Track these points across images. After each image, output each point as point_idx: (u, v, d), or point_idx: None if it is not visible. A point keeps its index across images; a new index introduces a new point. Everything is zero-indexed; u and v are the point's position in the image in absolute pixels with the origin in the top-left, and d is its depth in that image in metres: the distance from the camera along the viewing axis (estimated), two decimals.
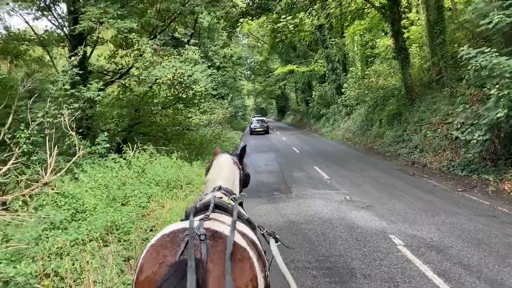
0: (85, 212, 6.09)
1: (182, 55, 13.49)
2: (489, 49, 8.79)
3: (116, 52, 15.14)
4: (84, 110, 12.87)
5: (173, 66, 12.58)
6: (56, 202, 6.19)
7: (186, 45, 13.77)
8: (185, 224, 1.87)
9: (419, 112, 15.93)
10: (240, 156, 3.23)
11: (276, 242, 2.40)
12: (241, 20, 16.05)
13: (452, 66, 15.43)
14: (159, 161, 11.55)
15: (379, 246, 5.51)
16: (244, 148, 3.35)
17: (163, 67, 12.54)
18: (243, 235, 1.95)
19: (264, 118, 40.73)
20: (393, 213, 7.15)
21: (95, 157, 9.96)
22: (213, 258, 1.63)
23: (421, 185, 9.60)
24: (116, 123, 15.45)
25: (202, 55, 28.96)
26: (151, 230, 6.25)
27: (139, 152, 10.61)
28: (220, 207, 2.22)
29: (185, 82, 12.66)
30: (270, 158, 16.86)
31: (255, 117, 44.44)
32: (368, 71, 22.65)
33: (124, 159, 9.86)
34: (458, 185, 9.40)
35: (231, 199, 2.44)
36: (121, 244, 5.47)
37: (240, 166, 3.11)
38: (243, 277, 1.67)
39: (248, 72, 48.02)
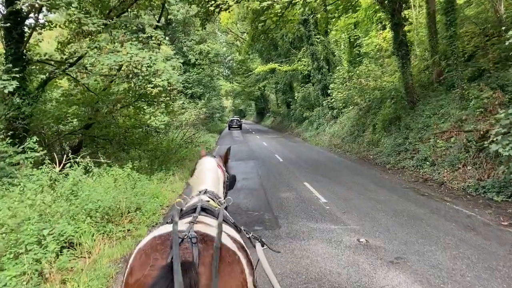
0: None
1: (141, 41, 10.70)
2: None
3: (71, 40, 12.18)
4: (20, 108, 10.10)
5: (127, 53, 9.82)
6: None
7: (147, 28, 10.93)
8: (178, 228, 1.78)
9: (423, 117, 13.64)
10: (225, 159, 3.24)
11: (262, 246, 2.33)
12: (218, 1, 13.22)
13: (463, 64, 13.25)
14: (106, 175, 8.77)
15: None
16: (228, 150, 3.37)
17: (115, 54, 9.80)
18: (233, 238, 1.92)
19: (239, 118, 52.80)
20: (441, 273, 4.60)
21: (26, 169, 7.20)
22: (205, 262, 1.62)
23: (451, 216, 7.14)
24: (65, 123, 12.60)
25: (174, 48, 26.11)
26: None
27: (70, 166, 7.75)
28: (206, 210, 2.20)
29: (142, 74, 9.91)
30: (250, 168, 14.20)
31: (233, 117, 54.85)
32: (358, 70, 20.31)
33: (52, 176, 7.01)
34: (500, 216, 6.99)
35: (217, 203, 2.44)
36: None
37: (224, 169, 3.09)
38: (233, 280, 1.66)
39: (226, 70, 45.24)
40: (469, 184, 8.94)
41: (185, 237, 1.68)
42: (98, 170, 9.24)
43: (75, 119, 12.54)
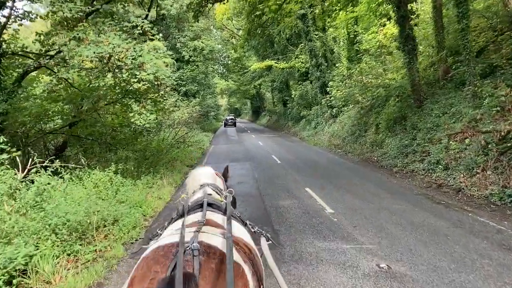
0: None
1: (126, 31, 9.62)
2: None
3: (51, 31, 11.07)
4: None
5: (109, 43, 8.78)
6: None
7: (132, 18, 9.85)
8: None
9: (432, 116, 12.68)
10: (225, 177, 3.20)
11: (267, 240, 2.33)
12: None
13: (476, 60, 12.32)
14: (86, 179, 7.75)
15: None
16: (227, 169, 3.36)
17: (96, 45, 8.77)
18: (240, 244, 1.89)
19: (233, 117, 56.99)
20: None
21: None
22: (205, 275, 1.58)
23: (479, 230, 6.15)
24: (45, 121, 11.56)
25: (167, 45, 25.00)
26: None
27: (37, 171, 6.68)
28: (212, 205, 2.20)
29: (126, 67, 8.86)
30: (245, 170, 13.17)
31: (228, 115, 61.71)
32: (359, 67, 19.30)
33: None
34: None
35: (224, 197, 2.45)
36: None
37: (223, 178, 3.12)
38: None
39: (221, 67, 44.14)
40: (492, 192, 7.96)
41: (188, 248, 1.64)
42: (78, 173, 8.23)
43: (57, 117, 11.51)
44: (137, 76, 8.42)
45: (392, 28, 19.74)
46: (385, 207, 7.72)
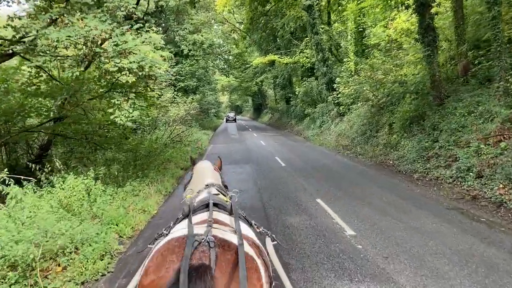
0: None
1: (107, 11, 8.19)
2: None
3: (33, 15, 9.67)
4: None
5: (85, 25, 7.40)
6: None
7: None
8: (194, 230, 1.79)
9: (456, 115, 11.26)
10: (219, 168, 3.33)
11: (272, 241, 2.33)
12: None
13: (508, 52, 10.88)
14: (58, 187, 6.40)
15: None
16: (220, 160, 3.49)
17: (68, 26, 7.42)
18: (251, 241, 1.92)
19: (234, 114, 65.22)
20: None
21: None
22: (222, 266, 1.60)
23: None
24: (18, 119, 10.24)
25: (165, 38, 23.59)
26: None
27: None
28: (218, 205, 2.22)
29: (106, 55, 7.47)
30: (246, 175, 11.76)
31: (229, 112, 71.01)
32: (371, 62, 17.83)
33: None
34: None
35: (229, 197, 2.48)
36: None
37: (220, 172, 3.20)
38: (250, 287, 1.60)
39: (222, 63, 42.68)
40: None
41: (203, 240, 1.67)
42: (54, 179, 6.87)
43: (33, 114, 10.16)
44: (117, 65, 6.99)
45: (402, 23, 18.36)
46: (416, 226, 6.31)
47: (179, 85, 28.78)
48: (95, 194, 7.37)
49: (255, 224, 2.33)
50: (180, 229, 1.88)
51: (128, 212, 6.98)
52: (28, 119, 10.39)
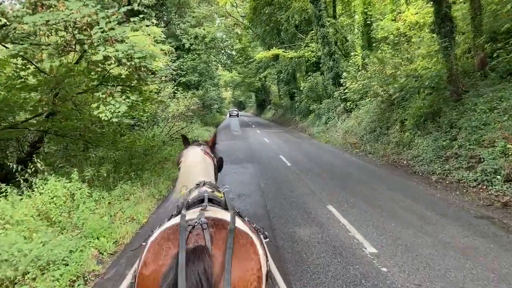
0: None
1: None
2: None
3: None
4: None
5: (66, 9, 6.52)
6: None
7: None
8: (187, 216, 1.80)
9: (477, 112, 10.34)
10: (212, 143, 3.15)
11: (265, 238, 2.29)
12: None
13: None
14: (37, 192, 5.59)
15: None
16: (215, 136, 3.26)
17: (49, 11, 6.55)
18: (244, 221, 2.02)
19: (237, 109, 71.97)
20: None
21: None
22: (218, 244, 1.60)
23: None
24: (5, 113, 9.40)
25: (166, 30, 22.67)
26: None
27: None
28: (213, 201, 2.19)
29: (90, 42, 6.60)
30: (249, 176, 10.88)
31: (232, 108, 75.49)
32: (381, 55, 16.87)
33: None
34: None
35: (222, 193, 2.40)
36: None
37: (212, 155, 2.99)
38: (247, 261, 1.63)
39: (225, 58, 41.75)
40: None
41: (196, 224, 1.68)
42: (36, 182, 6.06)
43: (19, 111, 9.30)
44: (100, 52, 6.12)
45: (411, 16, 17.42)
46: (445, 241, 5.42)
47: (180, 80, 27.90)
48: (79, 200, 6.55)
49: (248, 221, 2.25)
50: (172, 220, 1.90)
51: (113, 222, 6.13)
52: (16, 115, 9.60)
